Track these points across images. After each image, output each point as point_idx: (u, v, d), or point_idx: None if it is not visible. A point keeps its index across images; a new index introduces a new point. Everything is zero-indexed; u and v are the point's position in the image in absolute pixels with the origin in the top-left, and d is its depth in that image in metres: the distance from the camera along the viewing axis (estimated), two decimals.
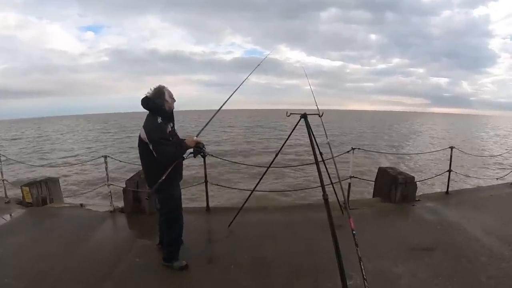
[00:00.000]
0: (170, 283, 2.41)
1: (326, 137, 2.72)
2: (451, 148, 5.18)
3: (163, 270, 2.56)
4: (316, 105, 2.65)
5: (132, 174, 4.21)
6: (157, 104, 2.32)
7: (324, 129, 2.77)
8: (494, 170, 11.61)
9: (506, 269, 2.61)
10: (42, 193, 4.10)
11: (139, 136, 2.30)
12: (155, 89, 2.34)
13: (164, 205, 2.56)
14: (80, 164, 10.19)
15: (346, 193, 4.06)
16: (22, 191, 4.06)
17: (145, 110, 2.37)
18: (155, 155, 2.21)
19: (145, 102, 2.31)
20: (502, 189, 5.54)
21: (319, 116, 2.62)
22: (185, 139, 2.39)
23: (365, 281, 1.91)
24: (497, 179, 6.96)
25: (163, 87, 2.37)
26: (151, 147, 2.20)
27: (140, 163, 2.48)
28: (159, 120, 2.29)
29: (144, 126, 2.27)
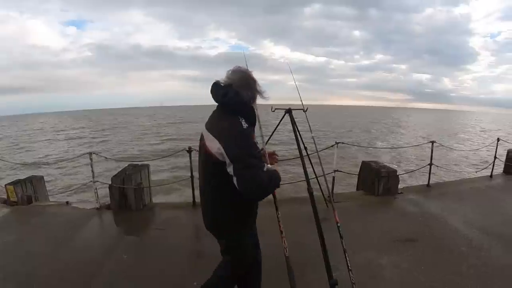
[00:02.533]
0: (160, 279, 2.36)
1: (311, 131, 2.73)
2: (432, 142, 5.33)
3: (153, 268, 2.52)
4: (301, 100, 2.63)
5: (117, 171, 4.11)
6: (246, 98, 1.41)
7: (309, 124, 2.76)
8: (474, 163, 12.10)
9: (485, 259, 2.69)
10: (27, 192, 4.03)
11: (204, 147, 1.41)
12: (236, 72, 1.44)
13: (234, 261, 1.62)
14: (65, 162, 10.05)
15: (330, 187, 4.10)
16: (6, 190, 3.96)
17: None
18: (237, 182, 1.26)
19: (224, 93, 1.38)
20: (481, 182, 5.77)
21: (304, 111, 2.61)
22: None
23: (350, 272, 1.92)
24: (476, 172, 7.24)
25: (249, 71, 1.47)
26: (231, 170, 1.27)
27: (197, 182, 1.65)
28: (245, 124, 1.37)
29: (220, 132, 1.34)
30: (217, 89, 1.42)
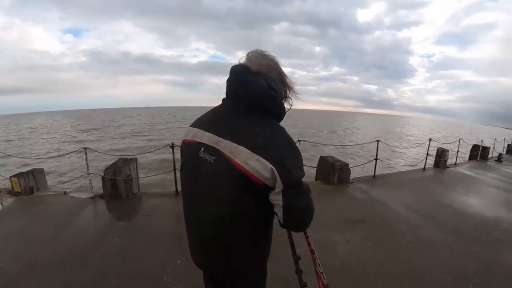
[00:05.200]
0: (148, 259, 2.49)
1: None
2: (378, 141, 5.99)
3: (141, 249, 2.68)
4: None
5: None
6: (279, 93, 0.95)
7: None
8: (411, 158, 13.67)
9: (420, 235, 3.13)
10: (29, 183, 4.30)
11: (229, 168, 0.84)
12: (266, 57, 0.94)
13: None
14: (62, 156, 10.21)
15: None
16: (11, 182, 4.23)
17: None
18: (284, 213, 0.86)
19: (262, 85, 0.89)
20: (416, 173, 6.65)
21: None
22: None
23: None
24: (412, 165, 8.24)
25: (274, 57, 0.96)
26: (279, 198, 0.84)
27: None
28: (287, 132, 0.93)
29: (262, 143, 0.84)
30: (244, 75, 0.90)
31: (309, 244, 1.17)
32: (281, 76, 0.95)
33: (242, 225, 0.91)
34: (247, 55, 0.95)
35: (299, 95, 1.02)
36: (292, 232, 1.21)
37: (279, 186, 0.82)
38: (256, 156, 0.81)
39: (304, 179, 0.89)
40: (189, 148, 0.97)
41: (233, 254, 0.97)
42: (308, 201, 0.90)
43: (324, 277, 1.09)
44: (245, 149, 0.82)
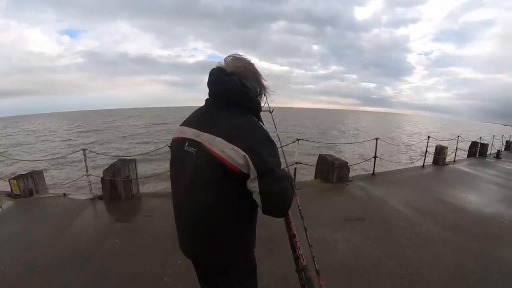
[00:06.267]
0: (148, 259, 2.50)
1: (276, 129, 2.90)
2: (377, 139, 5.99)
3: (141, 249, 2.68)
4: (267, 103, 2.75)
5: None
6: (253, 91, 1.06)
7: (274, 123, 2.94)
8: (410, 156, 13.71)
9: (419, 232, 3.14)
10: (28, 185, 4.27)
11: (207, 157, 0.93)
12: (240, 60, 1.04)
13: None
14: (60, 158, 10.49)
15: (292, 176, 4.37)
16: (10, 184, 4.19)
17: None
18: (262, 199, 0.93)
19: (233, 82, 0.99)
20: (415, 171, 6.65)
21: (270, 112, 2.74)
22: None
23: (310, 247, 2.09)
24: (411, 163, 8.25)
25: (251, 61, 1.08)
26: (255, 185, 0.92)
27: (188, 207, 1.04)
28: (263, 125, 1.06)
29: (237, 134, 0.93)
30: (220, 76, 1.00)
31: (290, 229, 1.20)
32: (256, 76, 1.07)
33: (223, 209, 0.97)
34: (225, 59, 1.05)
35: (274, 92, 1.17)
36: (292, 232, 1.24)
37: (253, 172, 0.90)
38: (231, 146, 0.90)
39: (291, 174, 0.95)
40: (177, 145, 1.07)
41: (216, 239, 1.02)
42: (284, 187, 0.95)
43: (303, 259, 1.16)
44: (222, 139, 0.92)
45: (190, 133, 1.02)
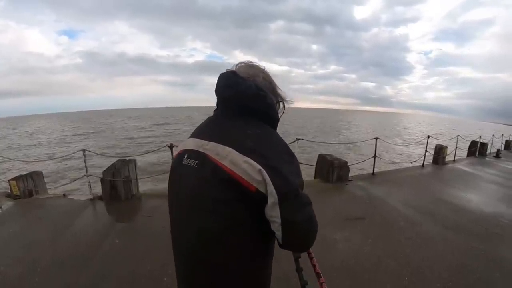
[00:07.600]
0: (148, 260, 2.49)
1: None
2: (376, 138, 5.98)
3: (141, 250, 2.68)
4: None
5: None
6: (271, 102, 0.86)
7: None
8: (409, 155, 13.70)
9: (419, 231, 3.14)
10: (28, 186, 4.27)
11: (214, 171, 0.72)
12: (253, 67, 0.90)
13: None
14: (60, 158, 10.46)
15: None
16: (9, 185, 4.19)
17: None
18: (283, 231, 0.70)
19: (248, 86, 0.81)
20: (415, 170, 6.65)
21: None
22: None
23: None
24: (411, 162, 8.26)
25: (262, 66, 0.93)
26: (276, 212, 0.68)
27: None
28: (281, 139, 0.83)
29: (253, 146, 0.72)
30: (231, 78, 0.84)
31: (314, 266, 0.98)
32: (272, 86, 0.90)
33: (236, 240, 0.74)
34: (236, 65, 0.90)
35: (293, 101, 0.97)
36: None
37: (272, 195, 0.68)
38: (245, 158, 0.70)
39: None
40: (176, 159, 0.88)
41: (224, 275, 0.78)
42: (311, 214, 0.76)
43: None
44: (234, 150, 0.71)
45: (193, 144, 0.82)
